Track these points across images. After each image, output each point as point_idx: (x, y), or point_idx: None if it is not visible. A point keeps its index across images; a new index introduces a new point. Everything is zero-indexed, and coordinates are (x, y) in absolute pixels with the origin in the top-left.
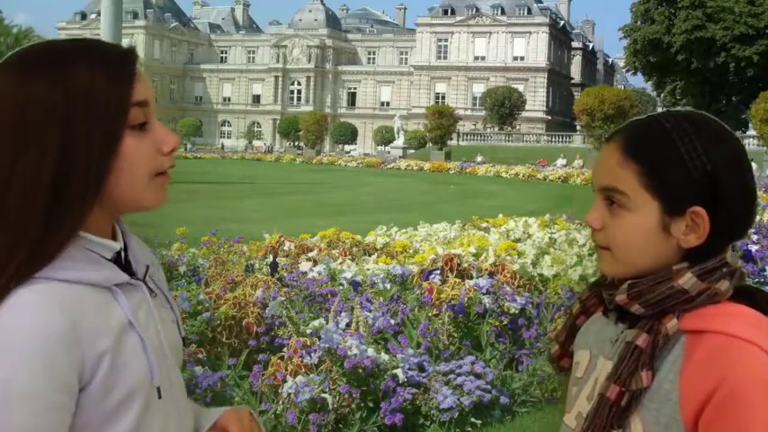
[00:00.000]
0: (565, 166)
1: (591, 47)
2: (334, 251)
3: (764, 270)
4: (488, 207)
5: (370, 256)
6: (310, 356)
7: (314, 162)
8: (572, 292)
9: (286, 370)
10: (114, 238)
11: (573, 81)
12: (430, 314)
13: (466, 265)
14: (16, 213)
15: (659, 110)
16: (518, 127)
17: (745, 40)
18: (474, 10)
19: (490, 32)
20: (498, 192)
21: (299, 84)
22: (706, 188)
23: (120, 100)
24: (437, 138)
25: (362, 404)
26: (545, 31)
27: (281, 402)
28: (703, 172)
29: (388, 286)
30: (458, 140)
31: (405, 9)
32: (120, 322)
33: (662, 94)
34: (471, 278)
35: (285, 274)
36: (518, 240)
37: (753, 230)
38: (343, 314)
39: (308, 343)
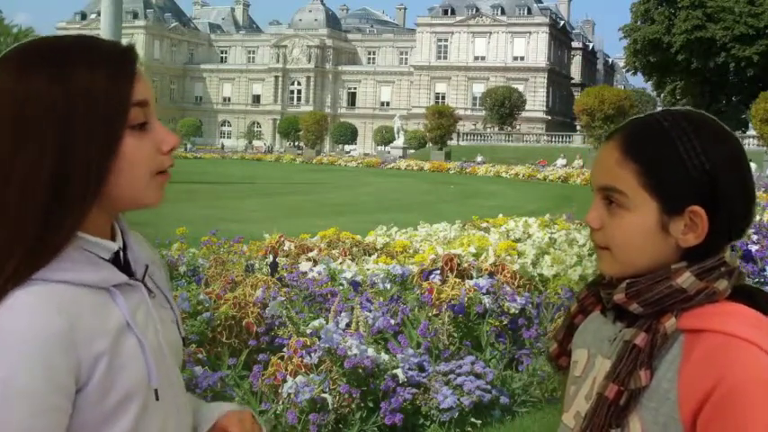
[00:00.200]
0: (565, 166)
1: (591, 47)
2: (334, 251)
3: (764, 270)
4: (488, 207)
5: (370, 256)
6: (310, 356)
7: (314, 162)
8: (572, 292)
9: (286, 370)
10: (113, 237)
11: (573, 81)
12: (430, 314)
13: (466, 265)
14: (16, 209)
15: (659, 110)
16: (518, 127)
17: (745, 40)
18: (474, 10)
19: (490, 32)
20: (498, 192)
21: (299, 84)
22: (705, 187)
23: (120, 100)
24: (437, 138)
25: (362, 404)
26: (545, 31)
27: (281, 402)
28: (702, 171)
29: (388, 286)
30: (458, 140)
31: (405, 9)
32: (117, 324)
33: (662, 94)
34: (471, 278)
35: (285, 274)
36: (518, 240)
37: (752, 230)
38: (343, 314)
39: (308, 343)
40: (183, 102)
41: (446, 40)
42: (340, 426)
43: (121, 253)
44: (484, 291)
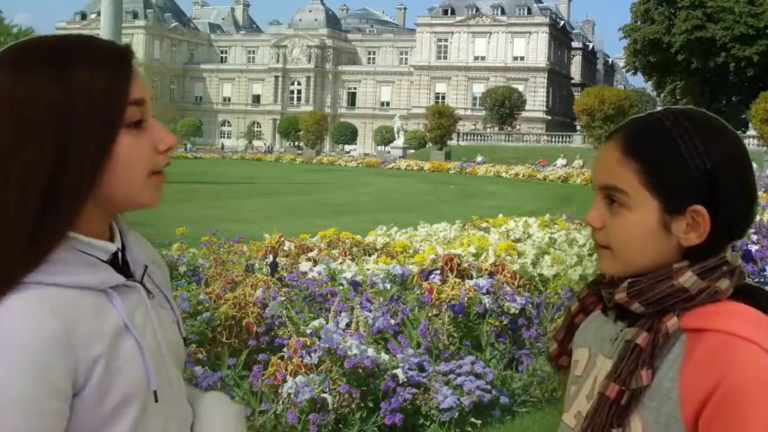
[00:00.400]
0: (565, 166)
1: (591, 47)
2: (334, 251)
3: (764, 270)
4: (488, 207)
5: (370, 256)
6: (310, 356)
7: (314, 162)
8: (572, 292)
9: (286, 370)
10: (112, 238)
11: (573, 81)
12: (430, 314)
13: (466, 265)
14: (15, 209)
15: (660, 109)
16: (518, 127)
17: (745, 40)
18: (474, 10)
19: (490, 32)
20: (498, 192)
21: (299, 84)
22: (706, 186)
23: (117, 99)
24: (437, 138)
25: (362, 404)
26: (545, 31)
27: (281, 402)
28: (703, 170)
29: (388, 286)
30: (458, 140)
31: (405, 9)
32: (115, 326)
33: (662, 94)
34: (471, 278)
35: (285, 274)
36: (518, 240)
37: (753, 230)
38: (343, 314)
39: (308, 343)
40: (183, 102)
41: (446, 40)
42: (340, 426)
43: (120, 254)
44: (484, 291)
